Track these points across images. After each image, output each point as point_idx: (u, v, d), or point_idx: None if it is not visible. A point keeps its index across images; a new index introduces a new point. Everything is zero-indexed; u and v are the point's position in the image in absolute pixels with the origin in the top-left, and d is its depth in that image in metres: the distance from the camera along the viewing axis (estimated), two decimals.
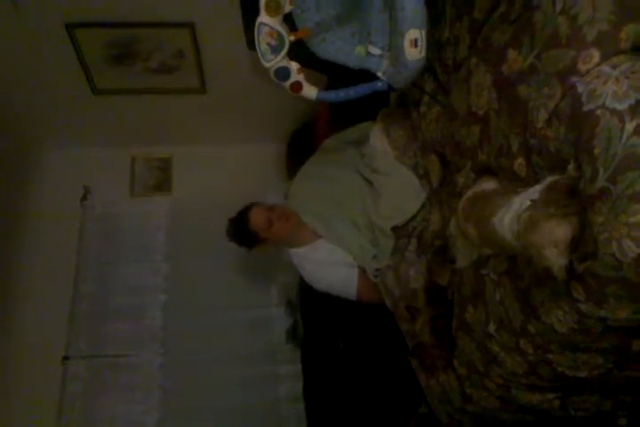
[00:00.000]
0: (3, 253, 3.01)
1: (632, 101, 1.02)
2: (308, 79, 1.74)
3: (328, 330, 2.53)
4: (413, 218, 1.99)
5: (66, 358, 2.89)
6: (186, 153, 3.34)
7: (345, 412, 2.35)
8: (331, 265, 2.20)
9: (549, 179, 1.21)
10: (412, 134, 2.00)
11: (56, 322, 2.95)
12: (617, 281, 1.07)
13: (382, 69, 1.72)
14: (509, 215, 1.31)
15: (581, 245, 1.11)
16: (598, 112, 1.05)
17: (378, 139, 2.15)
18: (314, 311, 2.66)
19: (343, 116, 2.51)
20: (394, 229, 2.02)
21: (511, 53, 1.31)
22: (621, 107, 1.02)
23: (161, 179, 3.35)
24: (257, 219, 2.19)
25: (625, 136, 1.01)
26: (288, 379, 2.84)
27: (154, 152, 3.39)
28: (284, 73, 1.69)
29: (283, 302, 2.96)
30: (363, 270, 2.14)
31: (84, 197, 3.24)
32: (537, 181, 1.26)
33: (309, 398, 2.61)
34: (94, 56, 2.75)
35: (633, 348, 1.26)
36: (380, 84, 1.72)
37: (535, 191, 1.25)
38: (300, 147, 2.98)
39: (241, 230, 2.24)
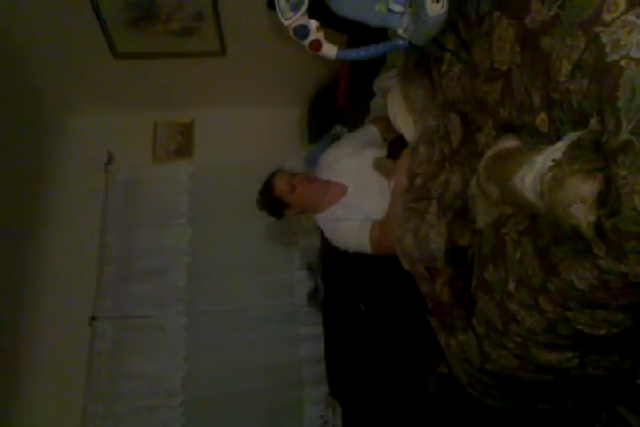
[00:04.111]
0: (30, 218, 3.08)
1: None
2: (327, 38, 1.72)
3: (349, 293, 2.56)
4: (433, 180, 1.98)
5: (93, 318, 2.97)
6: (207, 117, 3.35)
7: (365, 372, 2.39)
8: (347, 220, 2.23)
9: (571, 135, 1.19)
10: (432, 93, 1.97)
11: (83, 284, 3.03)
12: (638, 235, 1.05)
13: (403, 27, 1.68)
14: (531, 175, 1.29)
15: (608, 201, 1.09)
16: (622, 63, 1.02)
17: (396, 108, 2.14)
18: (335, 275, 2.69)
19: (365, 79, 2.48)
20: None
21: (535, 4, 1.27)
22: None
23: (182, 144, 3.37)
24: (280, 183, 2.27)
25: None
26: (309, 340, 2.90)
27: (175, 117, 3.40)
28: (303, 31, 1.67)
29: (304, 266, 2.99)
30: (377, 224, 2.16)
31: (108, 162, 3.28)
32: (559, 137, 1.24)
33: (330, 359, 2.66)
34: (114, 19, 2.75)
35: None
36: (400, 41, 1.68)
37: (557, 149, 1.23)
38: (322, 109, 2.96)
39: (267, 197, 2.31)
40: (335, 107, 2.83)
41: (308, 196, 2.28)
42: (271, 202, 2.31)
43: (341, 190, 2.29)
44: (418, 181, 2.04)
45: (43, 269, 3.06)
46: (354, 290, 2.49)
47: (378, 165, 2.24)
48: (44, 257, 3.08)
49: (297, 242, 3.03)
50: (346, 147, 2.38)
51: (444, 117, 1.92)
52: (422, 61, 2.02)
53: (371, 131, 2.42)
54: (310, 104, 3.15)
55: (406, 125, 2.13)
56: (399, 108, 2.15)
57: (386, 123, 2.29)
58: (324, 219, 2.32)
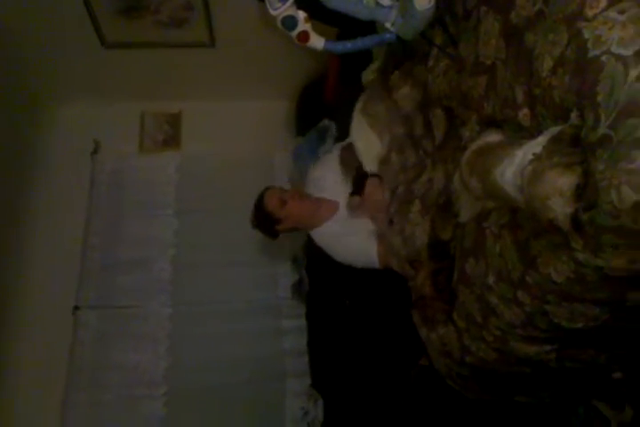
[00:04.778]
0: (16, 206, 3.07)
1: (637, 47, 1.00)
2: (315, 30, 1.73)
3: (334, 286, 2.57)
4: (415, 182, 2.00)
5: (76, 307, 2.97)
6: (195, 109, 3.35)
7: (347, 364, 2.41)
8: (348, 236, 2.23)
9: (552, 130, 1.21)
10: (393, 105, 2.02)
11: (67, 273, 3.02)
12: (614, 229, 1.07)
13: (391, 20, 1.69)
14: (512, 169, 1.31)
15: (585, 194, 1.11)
16: (603, 58, 1.03)
17: (356, 128, 2.18)
18: (320, 268, 2.69)
19: (353, 73, 2.48)
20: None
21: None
22: (627, 53, 1.00)
23: (170, 134, 3.36)
24: (270, 199, 2.29)
25: (629, 82, 0.99)
26: (293, 333, 2.90)
27: (163, 107, 3.39)
28: (291, 22, 1.68)
29: (289, 259, 3.00)
30: (381, 236, 2.16)
31: (95, 151, 3.26)
32: (540, 132, 1.25)
33: (313, 351, 2.67)
34: (104, 8, 2.74)
35: (628, 298, 1.26)
36: (388, 35, 1.69)
37: (538, 144, 1.25)
38: (310, 103, 2.97)
39: (259, 214, 2.33)
40: (323, 101, 2.84)
41: (300, 211, 2.29)
42: (263, 219, 2.32)
43: (333, 206, 2.29)
44: (400, 189, 2.05)
45: (27, 258, 3.05)
46: (338, 283, 2.50)
47: (350, 206, 2.24)
48: (28, 246, 3.07)
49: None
50: (331, 162, 2.39)
51: (424, 114, 1.94)
52: (408, 56, 2.03)
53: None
54: (298, 98, 3.15)
55: (367, 144, 2.17)
56: (359, 126, 2.20)
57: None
58: (321, 235, 2.32)
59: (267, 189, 2.38)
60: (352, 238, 2.21)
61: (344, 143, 2.38)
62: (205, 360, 2.86)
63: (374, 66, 2.26)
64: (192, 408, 2.81)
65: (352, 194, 2.25)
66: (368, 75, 2.30)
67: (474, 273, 1.62)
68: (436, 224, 1.82)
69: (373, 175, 2.20)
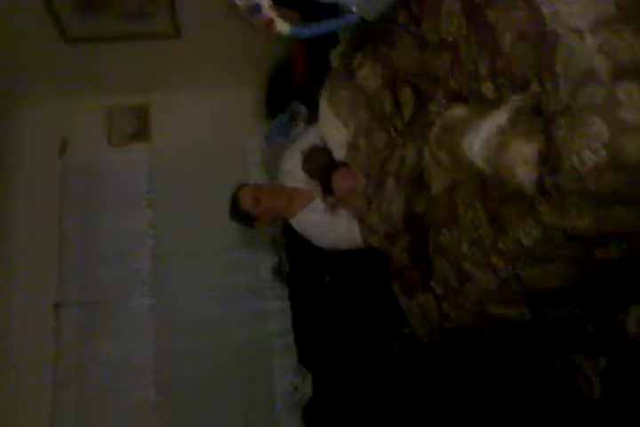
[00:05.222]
0: None
1: (592, 19, 1.08)
2: (280, 16, 1.76)
3: (312, 265, 2.63)
4: (388, 162, 2.06)
5: (57, 305, 2.97)
6: (163, 100, 3.34)
7: (332, 339, 2.48)
8: (330, 223, 2.30)
9: (513, 101, 1.28)
10: (356, 93, 2.08)
11: (46, 271, 3.01)
12: (577, 192, 1.15)
13: (354, 2, 1.74)
14: (478, 141, 1.39)
15: (549, 160, 1.19)
16: (560, 31, 1.11)
17: (323, 117, 2.23)
18: (298, 248, 2.75)
19: (321, 56, 2.52)
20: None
21: None
22: (582, 25, 1.08)
23: (139, 127, 3.36)
24: (244, 198, 2.37)
25: (585, 53, 1.07)
26: (277, 314, 2.95)
27: (130, 101, 3.38)
28: (255, 9, 1.71)
29: (267, 241, 3.04)
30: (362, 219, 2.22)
31: (63, 149, 3.25)
32: (504, 104, 1.33)
33: (298, 329, 2.74)
34: (63, 3, 2.70)
35: (597, 256, 1.35)
36: (352, 17, 1.74)
37: (501, 115, 1.32)
38: (279, 87, 3.00)
39: (235, 212, 2.41)
40: (292, 85, 2.87)
41: (274, 206, 2.37)
42: (239, 216, 2.41)
43: (308, 195, 2.35)
44: (373, 172, 2.10)
45: (3, 257, 3.03)
46: (317, 261, 2.57)
47: (329, 207, 2.30)
48: (3, 245, 3.06)
49: None
50: (298, 155, 2.42)
51: (395, 92, 1.99)
52: (370, 36, 2.07)
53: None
54: (267, 82, 3.18)
55: (335, 132, 2.23)
56: (325, 116, 2.26)
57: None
58: (301, 224, 2.39)
59: (240, 187, 2.43)
60: (334, 226, 2.28)
61: (304, 147, 2.41)
62: (192, 347, 2.89)
63: (339, 50, 2.30)
64: (182, 395, 2.86)
65: (325, 194, 2.31)
66: (335, 57, 2.35)
67: (448, 243, 1.70)
68: (410, 198, 1.89)
69: (338, 167, 2.26)
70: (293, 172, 2.41)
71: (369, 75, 2.10)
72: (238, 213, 2.40)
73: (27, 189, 3.18)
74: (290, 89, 2.62)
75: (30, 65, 3.10)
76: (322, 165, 2.31)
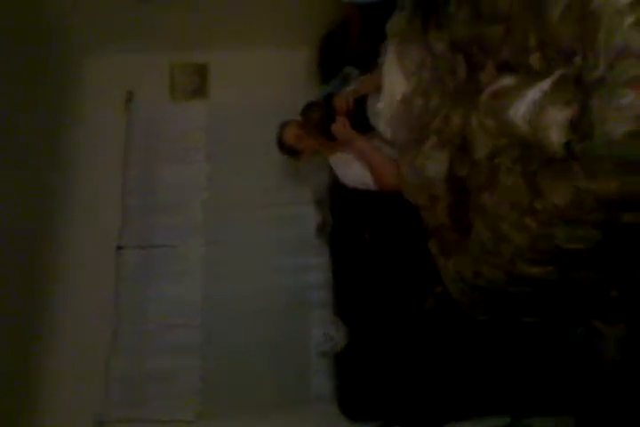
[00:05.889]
0: (57, 155, 3.26)
1: None
2: None
3: (354, 223, 2.77)
4: (434, 116, 2.16)
5: (119, 247, 3.21)
6: (221, 58, 3.47)
7: (368, 294, 2.64)
8: (355, 163, 2.47)
9: (558, 72, 1.38)
10: (425, 51, 2.16)
11: (109, 216, 3.25)
12: (606, 158, 1.26)
13: None
14: (524, 106, 1.50)
15: (581, 128, 1.29)
16: (603, 8, 1.20)
17: (389, 65, 2.33)
18: (342, 207, 2.90)
19: (376, 19, 2.60)
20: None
21: None
22: (623, 3, 1.18)
23: (199, 84, 3.51)
24: (288, 135, 2.64)
25: (624, 29, 1.17)
26: (317, 269, 3.12)
27: (191, 58, 3.53)
28: None
29: (314, 200, 3.20)
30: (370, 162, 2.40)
31: (129, 100, 3.43)
32: (551, 74, 1.43)
33: (337, 284, 2.90)
34: None
35: (624, 220, 1.46)
36: None
37: (546, 84, 1.43)
38: (333, 50, 3.08)
39: (281, 146, 2.69)
40: (345, 49, 2.95)
41: (316, 145, 2.62)
42: (285, 150, 2.70)
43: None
44: (417, 128, 2.20)
45: (70, 202, 3.25)
46: (359, 221, 2.71)
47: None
48: (70, 192, 3.26)
49: (309, 177, 3.23)
50: None
51: (452, 58, 2.07)
52: (424, 11, 2.15)
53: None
54: (320, 46, 3.25)
55: (394, 81, 2.32)
56: (390, 64, 2.34)
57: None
58: (336, 162, 2.61)
59: (284, 124, 2.68)
60: (356, 165, 2.47)
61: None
62: (237, 293, 3.11)
63: (401, 15, 2.37)
64: (226, 337, 3.07)
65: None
66: (393, 24, 2.42)
67: (488, 205, 1.82)
68: (454, 162, 2.00)
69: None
70: None
71: (438, 37, 2.17)
72: (284, 147, 2.68)
73: (93, 138, 3.38)
74: (343, 54, 2.72)
75: (100, 19, 3.25)
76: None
